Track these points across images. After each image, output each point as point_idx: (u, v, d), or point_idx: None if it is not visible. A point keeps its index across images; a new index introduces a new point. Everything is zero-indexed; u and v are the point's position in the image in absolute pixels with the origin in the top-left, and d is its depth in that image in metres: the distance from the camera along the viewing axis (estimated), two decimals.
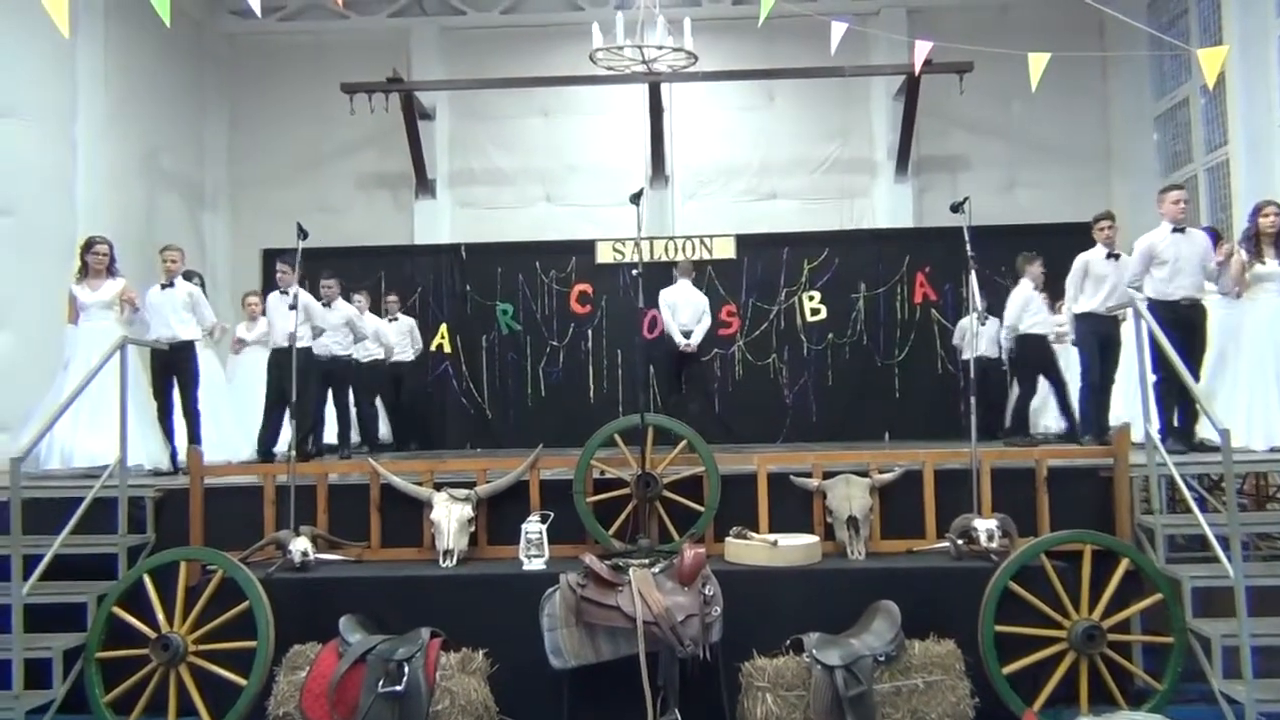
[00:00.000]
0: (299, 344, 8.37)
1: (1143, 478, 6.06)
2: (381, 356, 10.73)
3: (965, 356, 6.85)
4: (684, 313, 10.51)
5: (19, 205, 9.24)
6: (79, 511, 5.72)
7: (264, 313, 9.69)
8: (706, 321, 10.66)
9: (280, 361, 8.43)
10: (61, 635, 5.52)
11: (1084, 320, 7.75)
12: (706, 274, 12.57)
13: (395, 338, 11.05)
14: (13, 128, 9.26)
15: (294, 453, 6.40)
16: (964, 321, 10.90)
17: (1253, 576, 5.22)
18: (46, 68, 9.80)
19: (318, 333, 8.87)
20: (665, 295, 10.58)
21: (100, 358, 6.33)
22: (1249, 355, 6.99)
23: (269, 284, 11.00)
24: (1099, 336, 7.59)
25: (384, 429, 11.04)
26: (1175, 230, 7.07)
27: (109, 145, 10.89)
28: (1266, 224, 7.02)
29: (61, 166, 10.12)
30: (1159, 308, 6.66)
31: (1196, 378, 6.60)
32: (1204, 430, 6.82)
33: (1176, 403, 6.85)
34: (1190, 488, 5.66)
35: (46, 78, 9.85)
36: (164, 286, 7.89)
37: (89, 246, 7.75)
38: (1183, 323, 6.76)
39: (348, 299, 10.03)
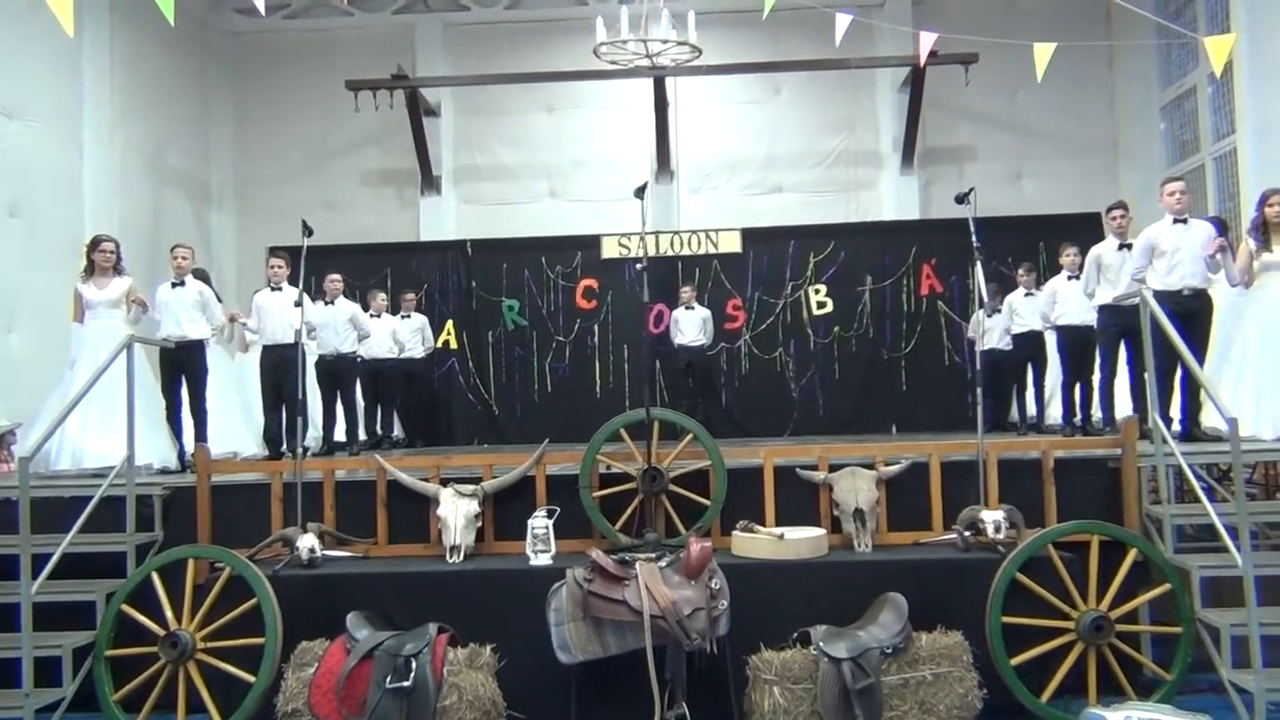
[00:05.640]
0: (273, 342, 8.40)
1: (1150, 468, 6.05)
2: (395, 355, 10.73)
3: (980, 349, 6.82)
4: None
5: (27, 206, 9.26)
6: (87, 510, 5.74)
7: None
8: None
9: (272, 360, 8.42)
10: (71, 633, 5.55)
11: (1103, 313, 7.68)
12: (712, 268, 12.58)
13: (407, 335, 11.05)
14: (19, 129, 9.26)
15: (300, 450, 6.41)
16: (976, 315, 10.82)
17: (1262, 566, 5.20)
18: (52, 69, 9.82)
19: (310, 330, 8.76)
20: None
21: (107, 356, 6.34)
22: (1257, 344, 6.94)
23: None
24: (1118, 329, 7.50)
25: (394, 426, 11.07)
26: (1176, 221, 7.06)
27: (115, 145, 10.91)
28: (1273, 213, 6.97)
29: (68, 167, 10.14)
30: (1161, 298, 6.62)
31: (1200, 367, 6.57)
32: (1211, 419, 6.79)
33: (1174, 393, 6.83)
34: (1198, 477, 5.63)
35: (52, 79, 9.86)
36: (174, 285, 7.84)
37: (95, 245, 7.75)
38: (1185, 313, 6.73)
39: (350, 297, 10.02)
